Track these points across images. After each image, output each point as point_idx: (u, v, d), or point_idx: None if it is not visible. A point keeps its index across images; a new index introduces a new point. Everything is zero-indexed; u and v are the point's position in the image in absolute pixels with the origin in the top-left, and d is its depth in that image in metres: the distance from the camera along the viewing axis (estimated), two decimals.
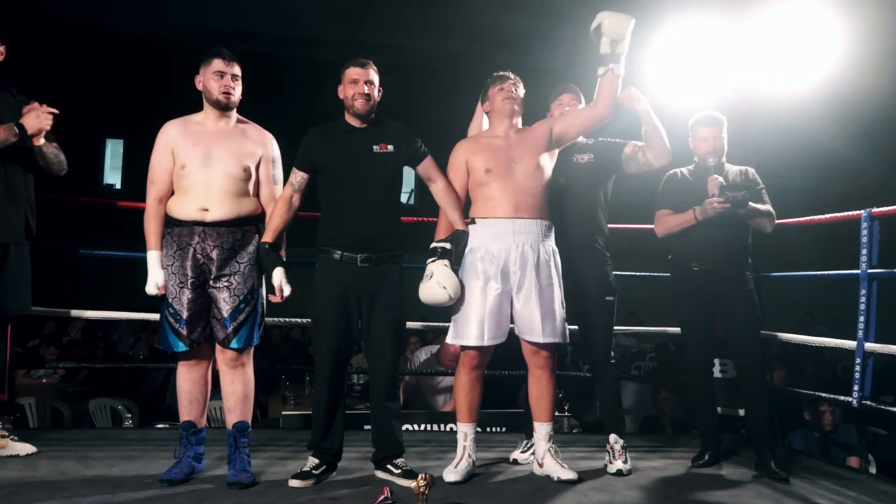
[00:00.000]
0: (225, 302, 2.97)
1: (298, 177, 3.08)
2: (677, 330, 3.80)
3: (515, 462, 3.42)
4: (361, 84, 3.01)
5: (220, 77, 2.99)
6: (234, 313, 2.97)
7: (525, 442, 3.49)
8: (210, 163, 2.96)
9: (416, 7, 8.47)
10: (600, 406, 3.65)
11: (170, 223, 3.01)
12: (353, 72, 3.04)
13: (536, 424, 3.19)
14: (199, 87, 3.05)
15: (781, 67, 4.32)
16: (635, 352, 7.75)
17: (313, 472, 3.02)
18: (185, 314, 2.94)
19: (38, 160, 3.19)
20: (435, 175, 3.15)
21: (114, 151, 11.97)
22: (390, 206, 3.11)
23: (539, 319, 3.05)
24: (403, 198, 11.54)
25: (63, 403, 5.50)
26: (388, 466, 3.07)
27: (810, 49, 4.14)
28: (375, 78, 3.07)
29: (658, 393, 5.41)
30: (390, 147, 3.08)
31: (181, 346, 2.97)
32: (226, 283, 2.97)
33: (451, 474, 3.04)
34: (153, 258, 2.99)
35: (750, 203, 3.39)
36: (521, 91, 3.22)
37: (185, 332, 2.95)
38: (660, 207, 3.62)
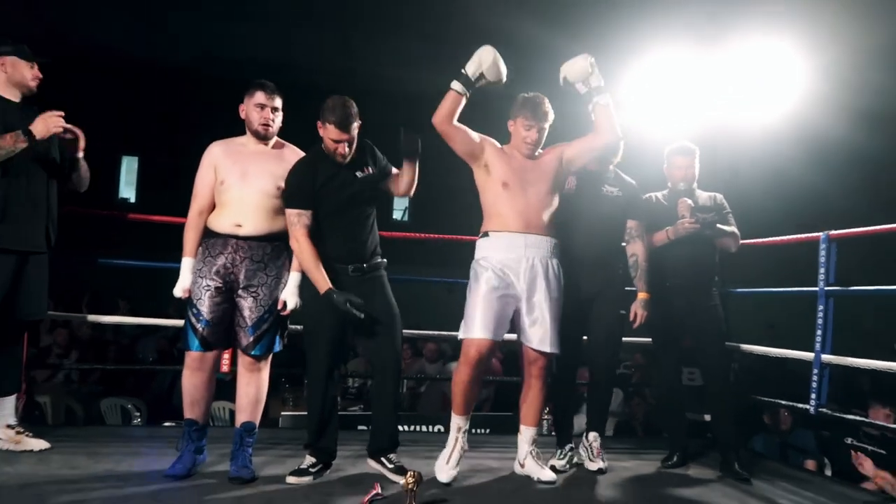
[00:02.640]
0: (250, 311, 2.96)
1: (305, 217, 2.97)
2: (648, 340, 3.81)
3: (553, 468, 3.24)
4: (343, 146, 2.95)
5: (261, 109, 3.01)
6: (259, 322, 2.96)
7: (561, 450, 3.41)
8: (247, 180, 2.98)
9: (408, 40, 8.53)
10: (590, 406, 3.57)
11: (207, 234, 3.01)
12: (332, 132, 2.92)
13: (522, 427, 3.17)
14: (242, 115, 3.06)
15: (749, 99, 4.36)
16: None
17: (310, 469, 3.00)
18: (206, 316, 2.93)
19: (73, 174, 3.19)
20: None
21: (129, 168, 11.97)
22: (372, 223, 3.09)
23: (547, 330, 3.03)
24: (398, 214, 11.61)
25: (76, 402, 5.47)
26: (383, 459, 3.05)
27: (775, 82, 4.19)
28: (356, 130, 2.97)
29: (630, 399, 5.41)
30: (370, 170, 3.06)
31: (197, 346, 2.95)
32: (252, 294, 2.96)
33: (443, 471, 3.00)
34: (186, 264, 2.99)
35: (717, 224, 3.44)
36: (544, 132, 3.12)
37: (204, 332, 2.94)
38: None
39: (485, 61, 2.91)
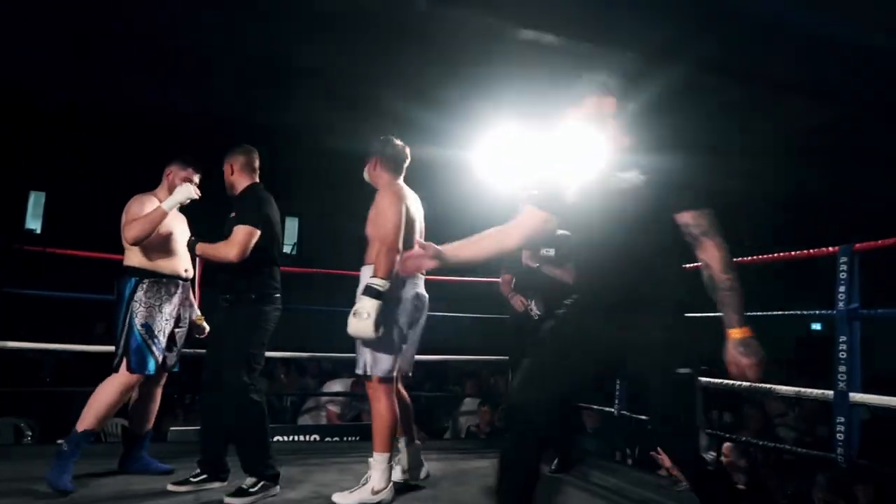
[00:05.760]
0: (181, 337, 3.04)
1: None
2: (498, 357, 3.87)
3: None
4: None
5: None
6: (181, 346, 3.06)
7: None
8: (185, 235, 3.01)
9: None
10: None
11: (159, 276, 2.91)
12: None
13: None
14: (175, 180, 2.95)
15: (568, 164, 4.65)
16: (462, 372, 7.69)
17: (191, 479, 2.83)
18: (163, 344, 2.91)
19: None
20: None
21: (36, 202, 11.08)
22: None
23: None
24: (287, 248, 11.16)
25: None
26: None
27: (585, 152, 4.49)
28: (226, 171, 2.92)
29: (481, 406, 5.44)
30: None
31: (153, 368, 2.87)
32: (184, 324, 3.05)
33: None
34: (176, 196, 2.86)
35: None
36: None
37: (162, 358, 2.91)
38: (505, 272, 3.69)
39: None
